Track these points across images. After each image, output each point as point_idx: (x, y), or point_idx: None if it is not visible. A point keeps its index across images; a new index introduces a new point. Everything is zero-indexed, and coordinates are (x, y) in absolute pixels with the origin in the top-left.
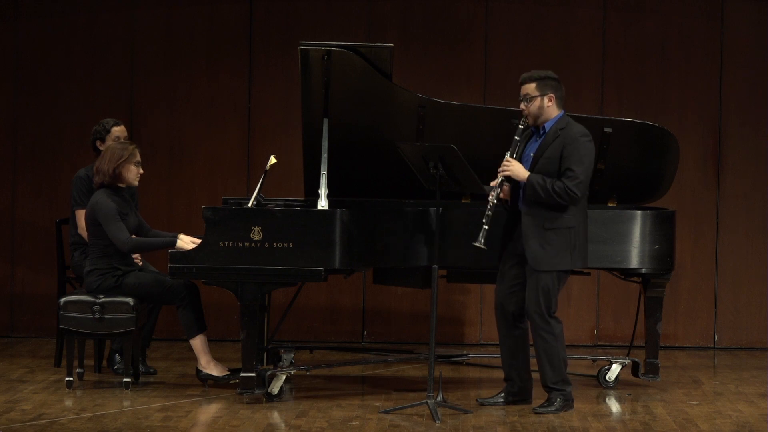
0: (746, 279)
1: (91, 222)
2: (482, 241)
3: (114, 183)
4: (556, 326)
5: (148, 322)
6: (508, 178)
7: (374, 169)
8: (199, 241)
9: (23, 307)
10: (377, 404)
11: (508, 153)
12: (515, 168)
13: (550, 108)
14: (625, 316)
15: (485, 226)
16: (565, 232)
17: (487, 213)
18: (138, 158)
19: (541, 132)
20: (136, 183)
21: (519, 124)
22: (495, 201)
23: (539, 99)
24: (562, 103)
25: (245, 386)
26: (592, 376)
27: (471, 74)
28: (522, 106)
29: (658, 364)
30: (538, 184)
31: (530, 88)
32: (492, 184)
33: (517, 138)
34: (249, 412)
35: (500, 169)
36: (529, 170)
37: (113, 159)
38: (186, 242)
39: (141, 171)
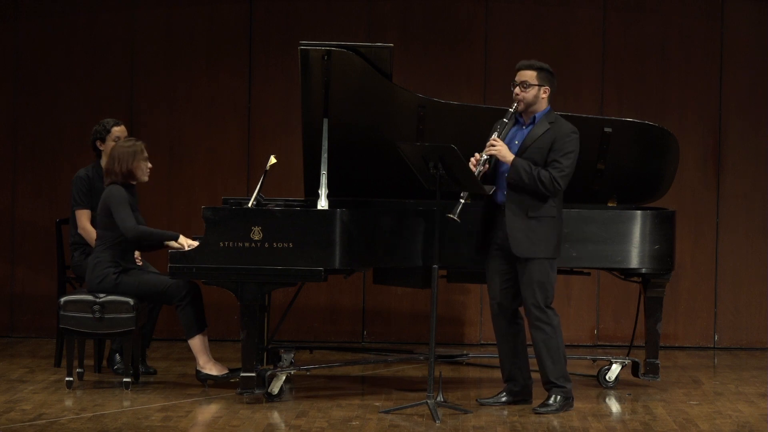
0: (746, 279)
1: (103, 212)
2: (456, 214)
3: (126, 181)
4: (553, 318)
5: (148, 322)
6: (491, 159)
7: (374, 169)
8: (195, 242)
9: (23, 307)
10: (377, 404)
11: (495, 133)
12: (502, 149)
13: (543, 100)
14: (625, 316)
15: (461, 200)
16: (548, 221)
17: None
18: (146, 153)
19: (529, 122)
20: (146, 179)
21: (510, 108)
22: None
23: (537, 88)
24: (552, 99)
25: (245, 386)
26: (592, 376)
27: (471, 74)
28: (517, 90)
29: (658, 364)
30: (524, 169)
31: (530, 75)
32: (473, 159)
33: (505, 120)
34: (249, 412)
35: (486, 149)
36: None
37: (125, 160)
38: (185, 242)
39: (150, 165)
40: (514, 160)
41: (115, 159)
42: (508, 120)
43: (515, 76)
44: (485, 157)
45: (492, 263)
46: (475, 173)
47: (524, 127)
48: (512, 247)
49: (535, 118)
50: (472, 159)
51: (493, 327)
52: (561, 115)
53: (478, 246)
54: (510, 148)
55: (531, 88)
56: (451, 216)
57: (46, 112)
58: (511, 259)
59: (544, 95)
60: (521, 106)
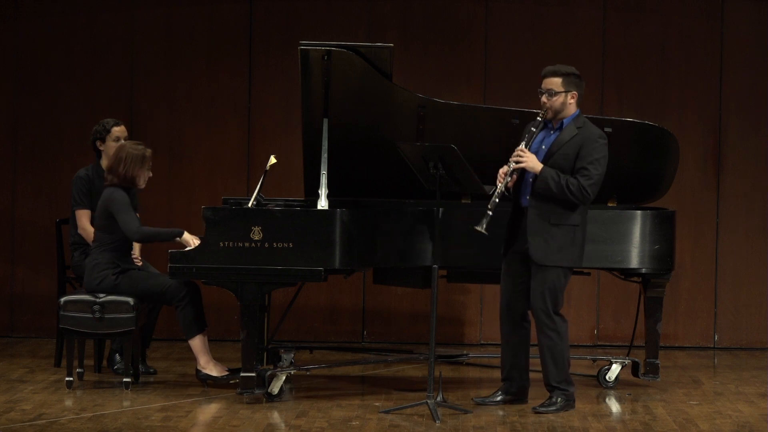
0: (746, 279)
1: (103, 214)
2: (484, 226)
3: (125, 185)
4: (561, 324)
5: (148, 322)
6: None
7: (374, 169)
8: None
9: (23, 307)
10: (377, 404)
11: (523, 143)
12: (530, 160)
13: (571, 105)
14: (625, 316)
15: (489, 212)
16: (570, 230)
17: (493, 200)
18: (151, 162)
19: (557, 127)
20: (143, 186)
21: (539, 116)
22: (503, 189)
23: (563, 95)
24: (580, 101)
25: (245, 386)
26: (592, 376)
27: (471, 74)
28: (543, 99)
29: (658, 364)
30: (552, 179)
31: (556, 83)
32: (501, 171)
33: (533, 129)
34: (249, 412)
35: (514, 159)
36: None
37: (132, 164)
38: (190, 239)
39: (150, 174)
40: (542, 170)
41: (121, 161)
42: (536, 129)
43: (541, 82)
44: (512, 168)
45: (508, 265)
46: (503, 184)
47: (552, 132)
48: (531, 252)
49: (563, 123)
50: (501, 171)
51: (500, 327)
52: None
53: (504, 250)
54: (538, 154)
55: (558, 96)
56: (479, 229)
57: (46, 112)
58: (527, 263)
59: (571, 100)
60: (549, 114)
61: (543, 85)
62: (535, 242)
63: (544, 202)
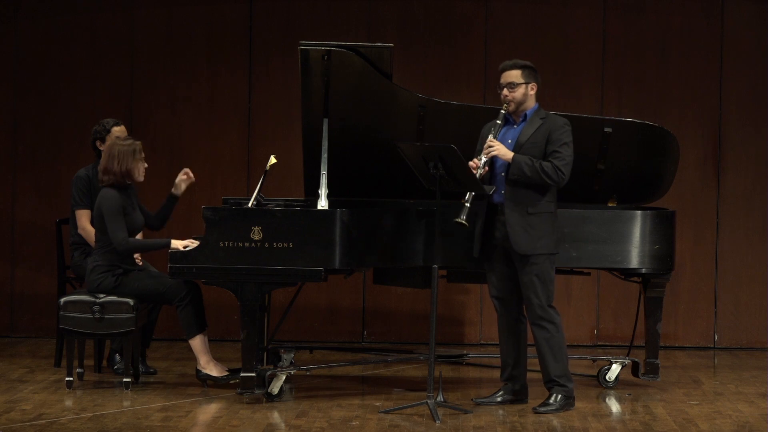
0: (746, 279)
1: (98, 216)
2: (464, 218)
3: (123, 182)
4: (555, 316)
5: (148, 322)
6: (491, 159)
7: (374, 169)
8: (191, 242)
9: (23, 307)
10: (377, 404)
11: (491, 135)
12: (501, 148)
13: (531, 97)
14: (625, 316)
15: (467, 204)
16: (547, 217)
17: (469, 192)
18: (143, 153)
19: (521, 120)
20: (142, 179)
21: (501, 109)
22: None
23: (524, 86)
24: (539, 95)
25: (245, 386)
26: (592, 376)
27: (471, 74)
28: (505, 92)
29: (658, 364)
30: (525, 164)
31: (515, 75)
32: (471, 163)
33: (498, 122)
34: (249, 412)
35: (485, 151)
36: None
37: (124, 159)
38: (179, 244)
39: (146, 165)
40: (513, 156)
41: (114, 158)
42: (501, 121)
43: (499, 78)
44: (484, 159)
45: (492, 264)
46: (477, 174)
47: (515, 126)
48: (513, 244)
49: (526, 115)
50: (471, 163)
51: (497, 326)
52: (561, 115)
53: (479, 247)
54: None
55: (519, 87)
56: (460, 221)
57: (46, 113)
58: (510, 258)
59: (532, 92)
60: (512, 107)
61: (502, 79)
62: (515, 233)
63: (518, 193)
